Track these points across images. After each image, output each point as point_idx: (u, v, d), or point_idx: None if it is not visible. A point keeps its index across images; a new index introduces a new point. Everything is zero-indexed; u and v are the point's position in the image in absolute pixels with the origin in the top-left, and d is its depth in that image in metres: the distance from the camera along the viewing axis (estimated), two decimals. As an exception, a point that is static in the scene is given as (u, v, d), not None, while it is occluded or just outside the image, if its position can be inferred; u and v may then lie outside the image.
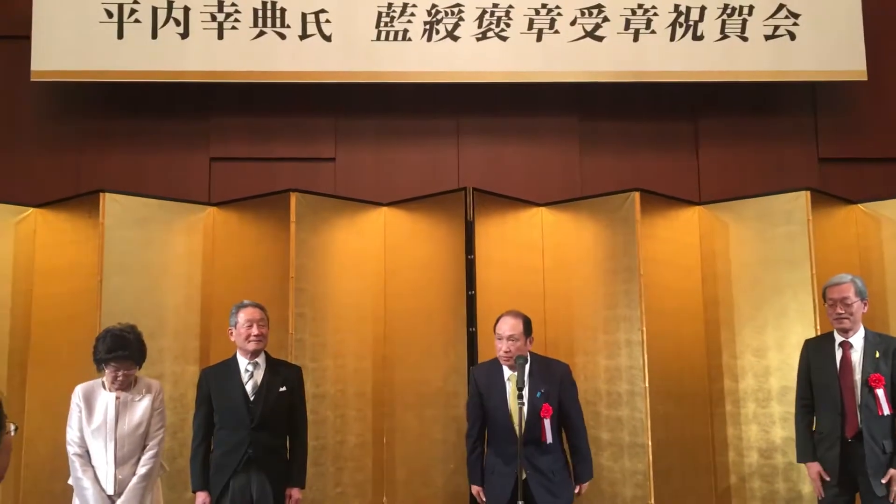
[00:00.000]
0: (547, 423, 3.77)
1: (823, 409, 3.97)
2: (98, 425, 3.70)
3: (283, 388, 3.92)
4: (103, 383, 3.77)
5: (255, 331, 3.90)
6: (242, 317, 3.94)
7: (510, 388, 3.83)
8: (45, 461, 4.58)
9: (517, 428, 3.65)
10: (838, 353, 3.95)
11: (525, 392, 3.59)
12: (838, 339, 3.98)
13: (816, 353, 4.05)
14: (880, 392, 3.78)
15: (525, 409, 3.58)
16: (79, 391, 3.77)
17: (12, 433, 1.77)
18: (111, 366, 3.67)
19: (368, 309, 5.08)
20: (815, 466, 3.97)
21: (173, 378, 4.78)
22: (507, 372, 3.87)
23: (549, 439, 3.78)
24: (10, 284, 4.84)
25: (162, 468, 3.92)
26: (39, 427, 4.64)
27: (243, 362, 3.94)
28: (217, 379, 3.95)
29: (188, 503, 4.28)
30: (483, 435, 3.97)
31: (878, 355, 3.86)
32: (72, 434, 3.73)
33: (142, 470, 3.73)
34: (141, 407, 3.77)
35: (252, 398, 3.86)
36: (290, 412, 3.97)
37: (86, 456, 3.71)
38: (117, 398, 3.72)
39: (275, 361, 4.03)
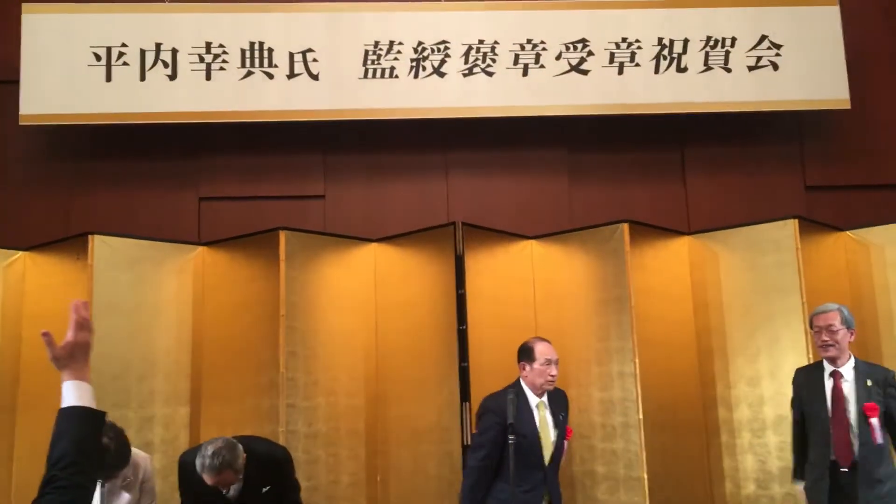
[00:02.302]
0: (565, 444, 3.93)
1: (814, 439, 3.95)
2: None
3: (267, 489, 3.65)
4: None
5: (223, 489, 3.54)
6: (205, 480, 3.47)
7: (538, 414, 3.84)
8: (34, 507, 4.52)
9: (546, 454, 3.79)
10: (829, 384, 3.93)
11: (547, 426, 3.88)
12: (828, 368, 3.95)
13: (806, 383, 4.05)
14: (874, 421, 3.75)
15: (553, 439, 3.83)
16: None
17: None
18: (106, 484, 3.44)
19: (360, 345, 5.06)
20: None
21: (164, 420, 4.74)
22: (532, 399, 3.86)
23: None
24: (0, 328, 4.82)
25: None
26: (29, 472, 4.58)
27: None
28: (195, 478, 3.58)
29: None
30: (492, 465, 3.78)
31: (869, 384, 3.85)
32: None
33: None
34: (128, 492, 3.61)
35: None
36: (279, 499, 3.73)
37: None
38: (102, 486, 3.47)
39: (254, 461, 3.61)
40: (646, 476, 4.60)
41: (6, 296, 4.87)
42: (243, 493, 3.62)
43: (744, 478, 4.87)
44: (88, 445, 1.79)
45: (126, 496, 3.62)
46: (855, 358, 3.97)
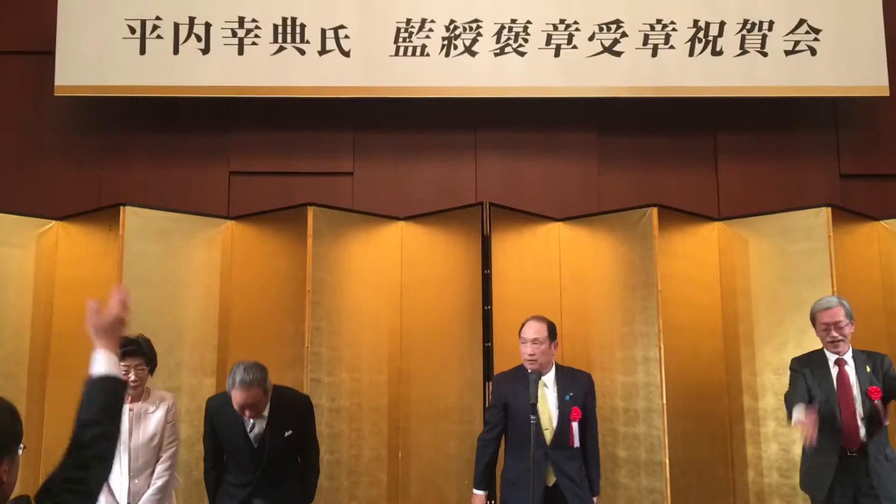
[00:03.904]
0: (575, 426, 3.77)
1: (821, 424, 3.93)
2: None
3: (289, 433, 3.72)
4: None
5: (247, 413, 3.61)
6: (234, 400, 3.58)
7: (538, 392, 3.70)
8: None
9: (545, 432, 3.75)
10: (834, 370, 3.96)
11: (547, 405, 3.80)
12: (832, 356, 3.98)
13: (809, 370, 4.01)
14: (880, 403, 3.80)
15: (537, 423, 3.56)
16: None
17: (21, 452, 1.83)
18: (122, 363, 3.53)
19: (384, 323, 5.09)
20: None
21: (190, 390, 4.80)
22: (532, 375, 3.79)
23: (576, 443, 3.78)
24: (32, 296, 4.90)
25: (175, 480, 3.92)
26: (58, 438, 4.65)
27: None
28: (220, 418, 3.75)
29: (203, 516, 4.29)
30: (499, 439, 3.93)
31: (868, 369, 3.90)
32: None
33: (157, 482, 3.73)
34: (154, 419, 3.77)
35: (256, 446, 3.69)
36: (299, 447, 3.82)
37: None
38: (130, 409, 3.71)
39: (279, 401, 3.75)
40: (667, 461, 4.59)
41: (39, 264, 4.95)
42: (266, 433, 3.69)
43: (767, 466, 4.84)
44: (113, 410, 2.01)
45: (152, 424, 3.76)
46: (851, 347, 4.01)
